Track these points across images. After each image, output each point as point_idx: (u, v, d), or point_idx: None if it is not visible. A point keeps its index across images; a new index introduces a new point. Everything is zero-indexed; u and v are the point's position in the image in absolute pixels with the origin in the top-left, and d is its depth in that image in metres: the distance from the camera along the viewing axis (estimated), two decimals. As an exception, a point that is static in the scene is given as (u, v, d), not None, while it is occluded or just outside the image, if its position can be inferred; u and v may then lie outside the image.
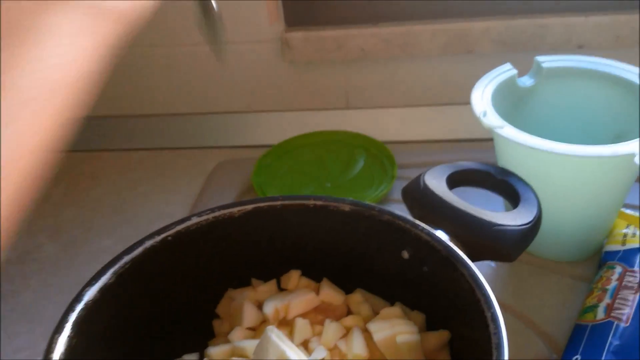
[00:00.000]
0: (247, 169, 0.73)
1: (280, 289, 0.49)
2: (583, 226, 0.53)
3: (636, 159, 0.44)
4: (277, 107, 0.80)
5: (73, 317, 0.38)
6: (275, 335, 0.41)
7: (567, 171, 0.49)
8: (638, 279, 0.48)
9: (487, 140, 0.59)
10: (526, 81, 0.58)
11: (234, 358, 0.43)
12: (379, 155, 0.71)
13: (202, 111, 0.82)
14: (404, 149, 0.73)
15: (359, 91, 0.78)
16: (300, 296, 0.46)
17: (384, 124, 0.76)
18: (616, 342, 0.44)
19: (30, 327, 0.58)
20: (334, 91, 0.78)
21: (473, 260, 0.40)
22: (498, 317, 0.36)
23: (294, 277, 0.48)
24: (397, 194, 0.66)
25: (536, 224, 0.43)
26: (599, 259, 0.53)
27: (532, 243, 0.55)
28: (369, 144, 0.72)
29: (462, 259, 0.40)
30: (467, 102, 0.53)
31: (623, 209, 0.56)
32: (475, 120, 0.66)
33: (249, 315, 0.46)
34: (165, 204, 0.72)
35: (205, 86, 0.80)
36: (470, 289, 0.38)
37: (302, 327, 0.45)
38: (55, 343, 0.37)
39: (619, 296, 0.47)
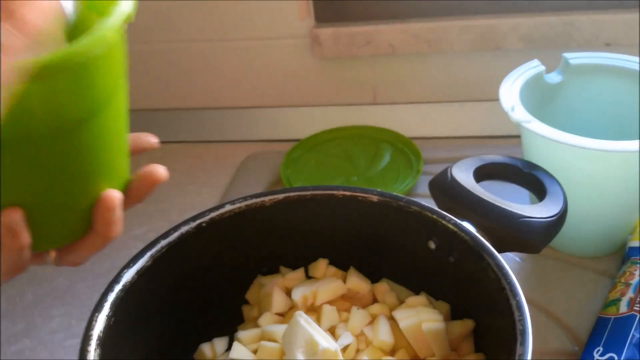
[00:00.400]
0: (275, 162, 0.74)
1: (308, 277, 0.50)
2: (607, 222, 0.53)
3: (662, 155, 0.44)
4: (305, 102, 0.81)
5: (112, 297, 0.40)
6: (304, 320, 0.42)
7: (593, 166, 0.49)
8: (663, 274, 0.49)
9: (514, 137, 0.60)
10: (554, 78, 0.58)
11: (262, 342, 0.45)
12: (405, 150, 0.72)
13: (232, 105, 0.83)
14: (431, 145, 0.74)
15: (387, 86, 0.79)
16: (328, 284, 0.48)
17: (410, 120, 0.77)
18: (638, 335, 0.45)
19: (66, 310, 0.60)
20: (362, 86, 0.79)
21: (499, 252, 0.41)
22: (523, 305, 0.36)
23: (321, 266, 0.49)
24: (423, 189, 0.67)
25: (562, 216, 0.43)
26: (623, 254, 0.54)
27: (556, 238, 0.56)
28: (395, 139, 0.73)
29: (489, 249, 0.41)
30: (494, 99, 0.54)
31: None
32: (502, 117, 0.67)
33: (278, 301, 0.48)
34: (196, 195, 0.74)
35: (237, 81, 0.82)
36: (497, 278, 0.39)
37: (329, 313, 0.46)
38: (95, 321, 0.39)
39: (643, 291, 0.48)
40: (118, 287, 0.41)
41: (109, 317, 0.39)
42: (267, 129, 0.81)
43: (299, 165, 0.72)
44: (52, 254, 0.37)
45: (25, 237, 0.32)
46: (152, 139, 0.39)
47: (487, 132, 0.75)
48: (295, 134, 0.78)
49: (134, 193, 0.37)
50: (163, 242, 0.44)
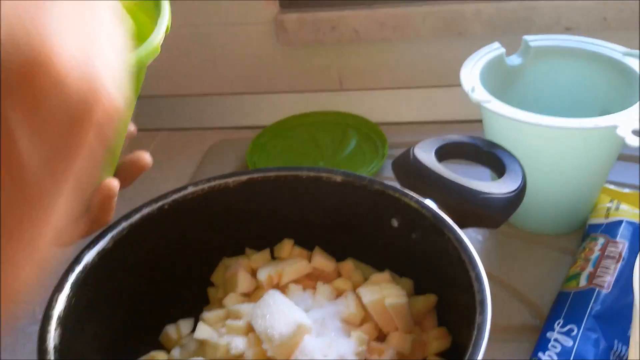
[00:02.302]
0: (241, 149, 0.74)
1: (274, 258, 0.50)
2: (568, 200, 0.55)
3: (618, 131, 0.45)
4: (271, 88, 0.81)
5: (72, 277, 0.40)
6: (278, 296, 0.43)
7: (551, 144, 0.50)
8: (620, 249, 0.50)
9: (477, 122, 0.61)
10: (514, 60, 0.59)
11: (228, 320, 0.45)
12: (371, 134, 0.72)
13: (197, 93, 0.83)
14: (396, 130, 0.75)
15: (352, 73, 0.79)
16: (293, 263, 0.48)
17: (376, 106, 0.78)
18: (597, 307, 0.46)
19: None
20: (328, 73, 0.79)
21: (460, 228, 0.42)
22: (482, 277, 0.37)
23: (286, 246, 0.49)
24: (388, 172, 0.68)
25: (521, 192, 0.44)
26: (583, 232, 0.55)
27: (518, 217, 0.57)
28: (361, 124, 0.74)
29: (449, 224, 0.41)
30: (458, 84, 0.55)
31: (606, 185, 0.57)
32: (466, 102, 0.68)
33: (244, 281, 0.48)
34: (162, 183, 0.72)
35: (201, 68, 0.82)
36: (456, 252, 0.40)
37: (296, 291, 0.46)
38: (56, 301, 0.38)
39: (601, 265, 0.49)
40: (78, 268, 0.40)
41: (69, 298, 0.39)
42: (233, 116, 0.81)
43: (265, 152, 0.72)
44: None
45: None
46: (147, 158, 0.40)
47: (452, 116, 0.76)
48: (261, 121, 0.78)
49: (121, 179, 0.38)
50: (124, 224, 0.44)
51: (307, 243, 0.50)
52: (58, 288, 0.39)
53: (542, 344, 0.44)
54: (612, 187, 0.57)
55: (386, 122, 0.76)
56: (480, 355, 0.33)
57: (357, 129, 0.73)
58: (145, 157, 0.40)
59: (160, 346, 0.47)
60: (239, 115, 0.81)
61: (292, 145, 0.73)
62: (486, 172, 0.54)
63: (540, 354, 0.43)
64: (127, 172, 0.39)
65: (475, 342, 0.33)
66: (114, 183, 0.36)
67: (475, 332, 0.34)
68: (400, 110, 0.78)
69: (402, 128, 0.76)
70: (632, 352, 0.29)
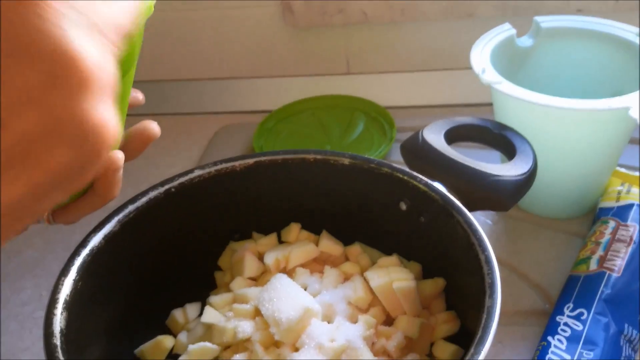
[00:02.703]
0: (248, 133, 0.74)
1: (281, 242, 0.50)
2: (578, 183, 0.54)
3: (630, 112, 0.44)
4: (278, 72, 0.80)
5: (79, 261, 0.40)
6: (285, 280, 0.42)
7: (563, 126, 0.49)
8: (631, 232, 0.49)
9: (486, 105, 0.60)
10: (525, 41, 0.58)
11: (235, 304, 0.44)
12: (378, 118, 0.72)
13: (203, 77, 0.82)
14: (404, 114, 0.74)
15: (360, 56, 0.78)
16: (300, 247, 0.48)
17: (384, 89, 0.77)
18: (608, 291, 0.45)
19: (36, 282, 0.59)
20: (335, 56, 0.79)
21: (469, 211, 0.41)
22: (492, 259, 0.37)
23: (294, 230, 0.49)
24: (396, 156, 0.67)
25: (531, 175, 0.43)
26: (594, 215, 0.54)
27: (528, 201, 0.57)
28: (368, 108, 0.73)
29: (458, 206, 0.41)
30: (468, 67, 0.54)
31: (618, 168, 0.56)
32: (475, 85, 0.67)
33: (250, 265, 0.47)
34: (168, 168, 0.73)
35: (207, 52, 0.81)
36: (466, 234, 0.39)
37: (303, 275, 0.46)
38: (62, 284, 0.38)
39: (611, 249, 0.48)
40: (85, 252, 0.40)
41: (75, 282, 0.39)
42: (240, 100, 0.80)
43: (272, 136, 0.72)
44: (45, 214, 0.37)
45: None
46: (155, 127, 0.38)
47: (461, 100, 0.75)
48: (268, 105, 0.77)
49: (128, 150, 0.37)
50: (131, 207, 0.44)
51: (314, 227, 0.50)
52: (64, 272, 0.39)
53: (551, 328, 0.44)
54: (623, 170, 0.57)
55: (394, 105, 0.75)
56: (490, 339, 0.32)
57: (364, 113, 0.73)
58: (153, 126, 0.38)
59: (167, 330, 0.47)
60: (246, 99, 0.80)
61: (299, 129, 0.72)
62: (496, 155, 0.54)
63: (549, 338, 0.43)
64: (133, 144, 0.37)
65: (484, 326, 0.33)
66: (118, 155, 0.34)
67: (484, 316, 0.33)
68: (409, 93, 0.77)
69: (410, 112, 0.75)
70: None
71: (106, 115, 0.26)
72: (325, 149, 0.70)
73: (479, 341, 0.32)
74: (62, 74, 0.24)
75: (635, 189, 0.54)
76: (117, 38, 0.28)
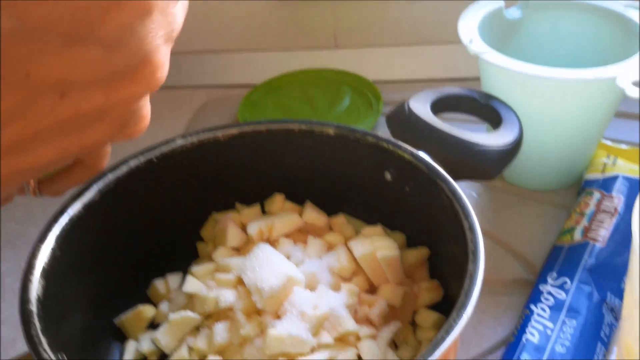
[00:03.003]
0: (233, 108, 0.73)
1: (264, 213, 0.49)
2: (564, 154, 0.54)
3: (618, 82, 0.44)
4: (265, 46, 0.79)
5: (57, 229, 0.39)
6: (268, 249, 0.42)
7: (550, 97, 0.49)
8: (615, 203, 0.49)
9: (474, 79, 0.59)
10: (513, 13, 0.58)
11: (217, 273, 0.44)
12: (365, 92, 0.71)
13: (187, 50, 0.81)
14: (392, 88, 0.73)
15: (347, 30, 0.77)
16: (284, 217, 0.47)
17: (371, 63, 0.76)
18: (592, 261, 0.45)
19: (15, 253, 0.58)
20: (322, 30, 0.77)
21: (455, 180, 0.41)
22: (475, 226, 0.36)
23: (277, 201, 0.49)
24: (383, 129, 0.67)
25: (517, 144, 0.43)
26: (579, 187, 0.54)
27: (513, 173, 0.57)
28: (355, 82, 0.72)
29: (443, 175, 0.40)
30: (456, 41, 0.53)
31: (603, 140, 0.56)
32: (462, 59, 0.67)
33: (233, 235, 0.47)
34: (152, 141, 0.71)
35: (192, 25, 0.79)
36: (450, 202, 0.39)
37: (286, 245, 0.45)
38: (39, 251, 0.37)
39: (596, 219, 0.48)
40: (63, 220, 0.40)
41: (54, 250, 0.38)
42: (225, 74, 0.79)
43: (257, 109, 0.71)
44: (32, 184, 0.37)
45: None
46: None
47: (448, 74, 0.75)
48: (253, 79, 0.76)
49: None
50: (111, 176, 0.43)
51: (298, 198, 0.49)
52: (41, 239, 0.38)
53: (534, 297, 0.44)
54: (609, 143, 0.56)
55: (381, 80, 0.75)
56: (472, 303, 0.32)
57: (351, 87, 0.72)
58: None
59: (148, 301, 0.46)
60: (231, 73, 0.79)
61: (284, 102, 0.71)
62: (483, 129, 0.54)
63: (532, 306, 0.43)
64: None
65: (467, 291, 0.33)
66: None
67: (467, 281, 0.33)
68: (396, 67, 0.76)
69: (397, 86, 0.75)
70: (628, 294, 0.29)
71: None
72: (311, 122, 0.69)
73: (460, 306, 0.32)
74: None
75: (621, 161, 0.54)
76: None
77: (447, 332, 0.31)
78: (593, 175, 0.53)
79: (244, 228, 0.48)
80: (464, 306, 0.32)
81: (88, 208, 0.41)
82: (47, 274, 0.37)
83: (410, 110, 0.46)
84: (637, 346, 0.27)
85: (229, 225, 0.47)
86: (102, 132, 0.30)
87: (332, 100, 0.71)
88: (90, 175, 0.39)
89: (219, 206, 0.49)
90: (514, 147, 0.43)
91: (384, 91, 0.71)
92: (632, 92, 0.43)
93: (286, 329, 0.38)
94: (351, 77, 0.73)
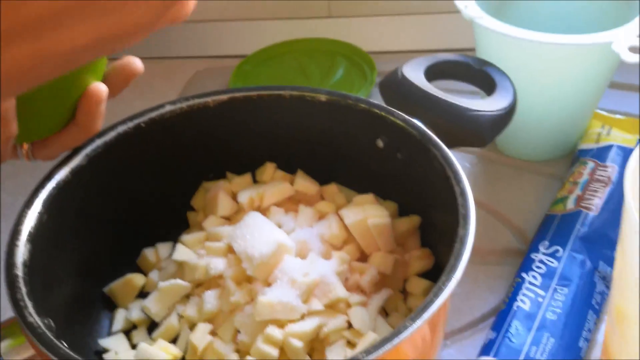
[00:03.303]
0: (224, 79, 0.72)
1: (255, 182, 0.49)
2: (559, 124, 0.53)
3: (614, 47, 0.43)
4: (257, 15, 0.78)
5: (44, 194, 0.38)
6: (258, 217, 0.42)
7: (545, 63, 0.48)
8: (609, 173, 0.49)
9: (469, 50, 0.58)
10: (509, -20, 0.57)
11: (207, 242, 0.44)
12: (359, 62, 0.70)
13: (180, 19, 0.79)
14: (386, 59, 0.72)
15: (341, -1, 0.76)
16: (275, 186, 0.47)
17: (366, 34, 0.75)
18: (584, 230, 0.45)
19: (7, 225, 0.57)
20: (316, -1, 0.76)
21: (448, 148, 0.40)
22: (466, 191, 0.36)
23: (268, 170, 0.48)
24: (376, 99, 0.66)
25: (511, 109, 0.43)
26: (573, 157, 0.54)
27: (507, 143, 0.56)
28: (350, 52, 0.71)
29: (436, 141, 0.40)
30: (451, 11, 0.52)
31: (598, 111, 0.56)
32: (458, 30, 0.65)
33: (224, 204, 0.46)
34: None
35: (183, -7, 0.78)
36: (442, 168, 0.38)
37: (277, 214, 0.45)
38: (25, 216, 0.37)
39: (589, 188, 0.48)
40: (50, 185, 0.39)
41: (40, 214, 0.38)
42: (216, 44, 0.78)
43: (249, 80, 0.70)
44: (25, 147, 0.37)
45: (14, 127, 0.33)
46: (138, 63, 0.40)
47: (444, 45, 0.73)
48: (246, 49, 0.75)
49: (111, 85, 0.37)
50: (99, 141, 0.42)
51: (289, 167, 0.49)
52: (28, 204, 0.38)
53: (526, 265, 0.44)
54: (603, 113, 0.56)
55: (376, 50, 0.73)
56: (461, 266, 0.32)
57: (345, 57, 0.71)
58: (136, 61, 0.38)
59: (138, 270, 0.46)
60: (222, 43, 0.78)
61: (277, 73, 0.70)
62: (478, 97, 0.53)
63: (523, 274, 0.43)
64: (116, 79, 0.38)
65: (457, 254, 0.32)
66: (102, 87, 0.35)
67: (457, 245, 0.33)
68: (391, 38, 0.75)
69: (392, 56, 0.74)
70: (619, 256, 0.28)
71: None
72: (304, 92, 0.68)
73: (450, 269, 0.32)
74: None
75: (615, 131, 0.53)
76: None
77: (436, 295, 0.30)
78: (587, 145, 0.52)
79: (234, 197, 0.47)
80: (453, 269, 0.32)
81: (75, 173, 0.40)
82: (33, 238, 0.36)
83: (403, 76, 0.46)
84: (629, 309, 0.27)
85: (220, 193, 0.46)
86: (145, 12, 0.28)
87: (325, 71, 0.70)
88: (84, 137, 0.38)
89: (209, 175, 0.49)
90: (508, 113, 0.42)
91: (378, 62, 0.70)
92: (628, 57, 0.42)
93: (276, 296, 0.38)
94: (345, 47, 0.72)
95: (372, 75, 0.67)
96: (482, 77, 0.46)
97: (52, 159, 0.39)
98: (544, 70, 0.49)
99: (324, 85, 0.68)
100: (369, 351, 0.28)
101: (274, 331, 0.36)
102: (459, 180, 0.37)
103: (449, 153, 0.39)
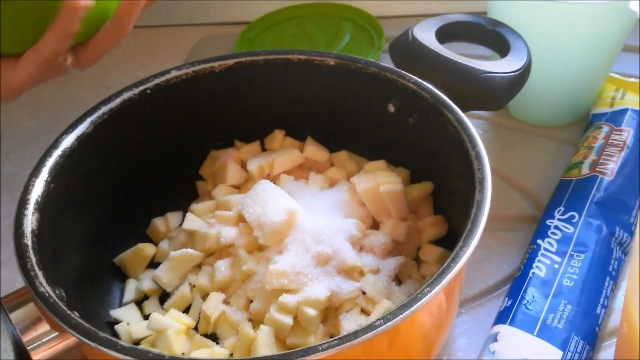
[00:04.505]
0: (229, 46, 0.70)
1: (264, 150, 0.48)
2: (572, 87, 0.52)
3: (631, 5, 0.42)
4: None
5: (50, 162, 0.38)
6: (269, 185, 0.41)
7: (560, 24, 0.47)
8: (624, 137, 0.48)
9: (480, 14, 0.57)
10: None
11: (218, 211, 0.43)
12: (366, 27, 0.68)
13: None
14: (394, 23, 0.70)
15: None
16: (285, 154, 0.46)
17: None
18: (600, 194, 0.44)
19: (12, 196, 0.57)
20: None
21: (462, 111, 0.39)
22: (482, 154, 0.35)
23: (278, 137, 0.47)
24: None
25: (525, 71, 0.41)
26: (587, 122, 0.53)
27: (519, 108, 0.55)
28: (356, 16, 0.70)
29: (449, 104, 0.39)
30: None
31: (612, 74, 0.54)
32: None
33: (233, 172, 0.46)
34: (147, 80, 0.69)
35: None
36: (456, 132, 0.38)
37: (287, 181, 0.44)
38: (32, 185, 0.36)
39: (604, 153, 0.47)
40: (57, 153, 0.38)
41: (47, 183, 0.37)
42: (220, 11, 0.76)
43: (254, 46, 0.68)
44: (69, 60, 0.38)
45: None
46: None
47: (454, 9, 0.71)
48: (249, 16, 0.73)
49: None
50: (104, 108, 0.41)
51: (299, 134, 0.48)
52: (35, 173, 0.37)
53: (541, 231, 0.43)
54: (617, 76, 0.55)
55: (383, 15, 0.72)
56: (479, 232, 0.31)
57: (352, 21, 0.69)
58: None
59: (148, 240, 0.45)
60: (226, 9, 0.76)
61: (282, 39, 0.69)
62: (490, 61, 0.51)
63: (539, 241, 0.42)
64: None
65: (474, 219, 0.32)
66: None
67: (474, 209, 0.32)
68: (399, 2, 0.73)
69: (400, 21, 0.72)
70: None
71: None
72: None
73: (467, 234, 0.31)
74: None
75: (630, 95, 0.52)
76: None
77: (455, 261, 0.30)
78: (601, 109, 0.51)
79: (243, 165, 0.47)
80: (470, 234, 0.31)
81: (81, 141, 0.40)
82: (41, 207, 0.36)
83: (414, 38, 0.44)
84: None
85: (229, 162, 0.46)
86: None
87: (331, 37, 0.68)
88: (119, 36, 0.38)
89: (217, 144, 0.48)
90: (523, 74, 0.41)
91: (386, 27, 0.68)
92: (648, 16, 0.41)
93: (289, 264, 0.37)
94: (352, 11, 0.70)
95: (380, 40, 0.66)
96: (495, 38, 0.45)
97: (94, 63, 0.39)
98: (556, 32, 0.48)
99: (330, 51, 0.67)
100: (387, 318, 0.28)
101: (287, 299, 0.36)
102: (474, 144, 0.36)
103: (463, 116, 0.38)
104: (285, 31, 0.70)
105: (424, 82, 0.41)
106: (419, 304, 0.29)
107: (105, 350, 0.29)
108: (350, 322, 0.36)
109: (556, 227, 0.43)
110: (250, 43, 0.69)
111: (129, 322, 0.40)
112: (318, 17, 0.70)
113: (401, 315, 0.28)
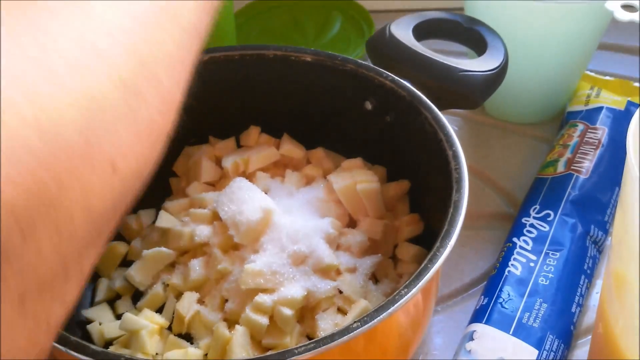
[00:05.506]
0: (210, 35, 0.69)
1: (240, 147, 0.47)
2: (548, 85, 0.52)
3: (607, 5, 0.42)
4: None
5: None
6: (244, 183, 0.40)
7: (536, 22, 0.47)
8: (599, 135, 0.48)
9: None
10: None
11: (192, 209, 0.42)
12: (356, 17, 0.67)
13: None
14: (385, 18, 0.69)
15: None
16: (260, 151, 0.45)
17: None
18: (575, 193, 0.44)
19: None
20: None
21: (439, 110, 0.39)
22: (459, 154, 0.35)
23: (253, 134, 0.47)
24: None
25: (502, 69, 0.41)
26: (562, 119, 0.53)
27: (495, 105, 0.55)
28: (347, 6, 0.69)
29: (426, 102, 0.39)
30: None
31: (587, 72, 0.55)
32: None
33: (208, 169, 0.45)
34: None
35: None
36: (433, 131, 0.37)
37: (263, 179, 0.44)
38: None
39: (580, 151, 0.47)
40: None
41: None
42: None
43: (241, 35, 0.67)
44: None
45: None
46: None
47: (444, 4, 0.71)
48: (237, 3, 0.72)
49: None
50: (74, 105, 0.40)
51: (275, 131, 0.47)
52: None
53: (517, 230, 0.43)
54: (592, 74, 0.55)
55: (374, 9, 0.71)
56: (456, 232, 0.31)
57: (342, 12, 0.68)
58: None
59: (120, 238, 0.44)
60: None
61: (271, 27, 0.67)
62: (467, 59, 0.51)
63: (514, 239, 0.42)
64: None
65: (451, 219, 0.31)
66: None
67: (451, 209, 0.32)
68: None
69: (391, 16, 0.71)
70: (619, 220, 0.28)
71: None
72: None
73: (445, 235, 0.31)
74: None
75: (604, 93, 0.52)
76: None
77: (432, 262, 0.30)
78: (576, 107, 0.52)
79: (218, 162, 0.46)
80: (448, 235, 0.31)
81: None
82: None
83: (391, 35, 0.44)
84: (629, 274, 0.26)
85: (203, 159, 0.45)
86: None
87: (320, 27, 0.67)
88: None
89: (191, 140, 0.47)
90: (499, 73, 0.41)
91: (376, 20, 0.67)
92: (621, 15, 0.41)
93: (265, 263, 0.37)
94: (342, 1, 0.69)
95: (369, 31, 0.65)
96: (473, 36, 0.44)
97: None
98: (533, 30, 0.48)
99: (319, 41, 0.66)
100: (364, 321, 0.27)
101: (263, 299, 0.36)
102: (451, 143, 0.36)
103: (441, 115, 0.38)
104: (274, 19, 0.68)
105: (402, 80, 0.40)
106: (396, 305, 0.28)
107: (76, 354, 0.28)
108: (327, 322, 0.36)
109: (532, 226, 0.43)
110: (238, 31, 0.67)
111: (101, 321, 0.39)
112: (308, 6, 0.69)
113: (378, 318, 0.28)
